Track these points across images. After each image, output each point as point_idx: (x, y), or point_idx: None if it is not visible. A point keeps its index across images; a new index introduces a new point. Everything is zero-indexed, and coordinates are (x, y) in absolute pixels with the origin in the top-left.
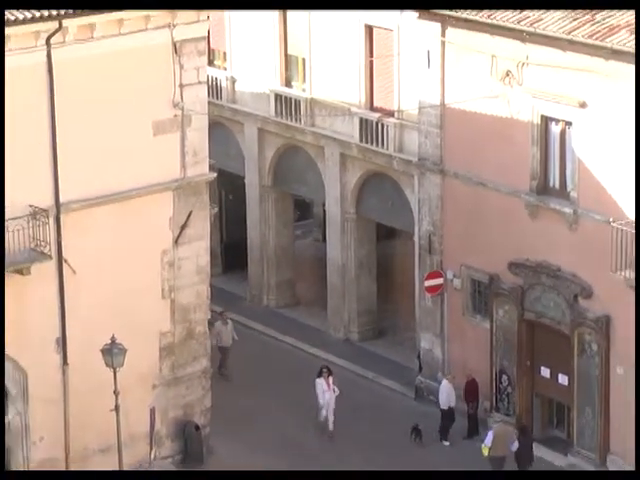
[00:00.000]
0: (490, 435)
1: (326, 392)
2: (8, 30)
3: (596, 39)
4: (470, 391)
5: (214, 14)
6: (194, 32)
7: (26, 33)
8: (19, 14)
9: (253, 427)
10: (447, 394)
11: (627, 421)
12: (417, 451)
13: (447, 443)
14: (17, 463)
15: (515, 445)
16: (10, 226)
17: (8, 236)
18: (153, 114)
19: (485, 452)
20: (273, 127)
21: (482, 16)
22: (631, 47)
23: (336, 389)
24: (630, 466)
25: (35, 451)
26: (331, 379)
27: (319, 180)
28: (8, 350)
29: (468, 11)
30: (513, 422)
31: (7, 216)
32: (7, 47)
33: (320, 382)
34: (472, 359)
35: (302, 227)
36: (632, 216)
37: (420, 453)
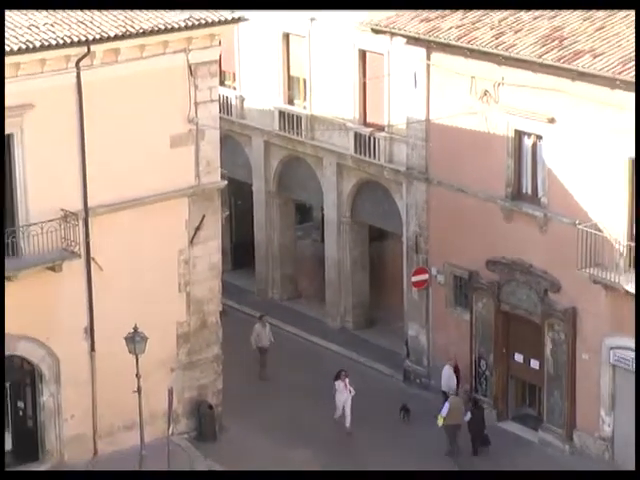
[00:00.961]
0: (446, 406)
1: (344, 392)
2: (43, 54)
3: (563, 62)
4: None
5: (225, 40)
6: (207, 56)
7: (58, 57)
8: (52, 40)
9: (261, 407)
10: (447, 378)
11: (591, 401)
12: (405, 427)
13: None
14: (50, 439)
15: (468, 415)
16: (44, 228)
17: (42, 237)
18: (171, 128)
19: (440, 422)
20: (277, 140)
21: (463, 42)
22: (595, 69)
23: (352, 390)
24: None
25: (66, 428)
26: (347, 380)
27: (318, 187)
28: (43, 338)
29: (450, 37)
30: (465, 396)
31: (41, 219)
32: (42, 69)
33: (338, 384)
34: (454, 346)
35: (303, 229)
36: (596, 219)
37: (408, 429)
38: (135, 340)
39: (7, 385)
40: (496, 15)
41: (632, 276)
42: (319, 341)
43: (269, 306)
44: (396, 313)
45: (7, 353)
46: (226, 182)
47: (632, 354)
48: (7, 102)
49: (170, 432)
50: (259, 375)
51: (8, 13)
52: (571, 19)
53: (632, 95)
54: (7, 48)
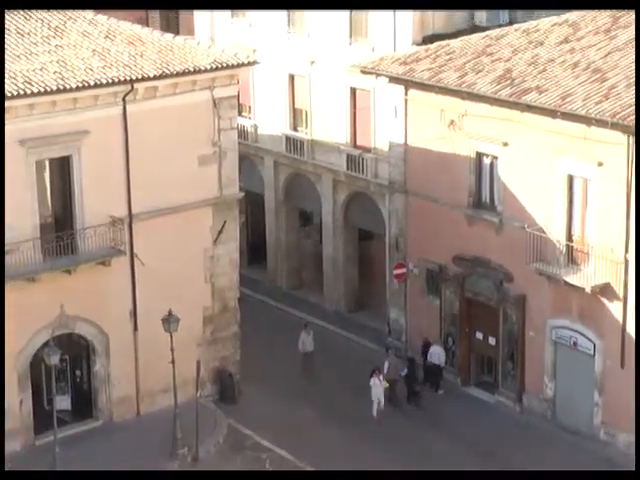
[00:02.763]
0: (386, 365)
1: (378, 386)
2: (96, 91)
3: (514, 97)
4: (426, 349)
5: (242, 79)
6: (228, 92)
7: (108, 93)
8: (103, 80)
9: (273, 376)
10: (438, 355)
11: (537, 370)
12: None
13: (442, 391)
14: (102, 400)
15: (405, 371)
16: (96, 231)
17: (95, 238)
18: (198, 150)
19: (383, 386)
20: (284, 160)
21: (433, 81)
22: (539, 103)
23: (385, 383)
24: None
25: (114, 391)
26: (381, 376)
27: (317, 197)
28: (96, 319)
29: (423, 77)
30: (402, 355)
31: (93, 223)
32: (96, 102)
33: (373, 380)
34: (427, 326)
35: (305, 231)
36: (541, 223)
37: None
38: (170, 321)
39: (67, 357)
40: (460, 59)
41: (570, 269)
42: (318, 321)
43: (278, 293)
44: (380, 299)
45: (67, 331)
46: (243, 194)
47: (569, 332)
48: (67, 129)
49: (198, 395)
50: (307, 376)
51: (69, 57)
52: (520, 63)
53: (569, 123)
54: (67, 86)
